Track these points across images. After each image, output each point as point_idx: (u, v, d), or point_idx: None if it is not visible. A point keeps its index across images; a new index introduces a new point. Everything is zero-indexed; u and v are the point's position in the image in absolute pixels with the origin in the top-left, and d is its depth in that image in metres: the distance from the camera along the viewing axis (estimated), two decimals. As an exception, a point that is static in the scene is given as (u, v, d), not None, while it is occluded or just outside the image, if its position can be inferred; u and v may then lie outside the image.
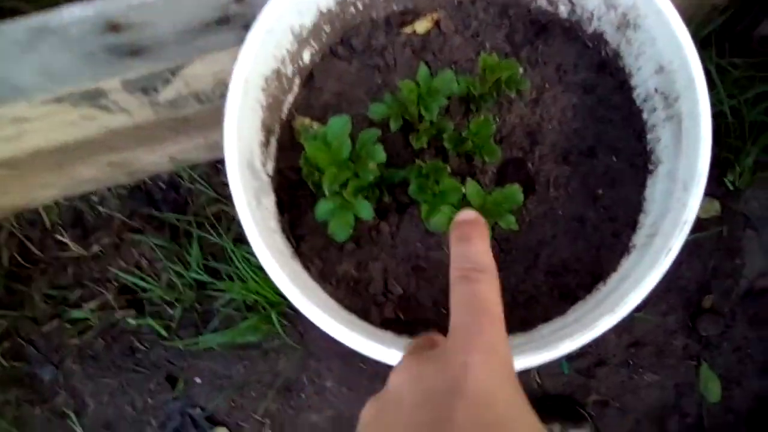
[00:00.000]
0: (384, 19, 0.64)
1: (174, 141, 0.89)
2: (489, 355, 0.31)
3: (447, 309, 0.57)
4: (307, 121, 0.61)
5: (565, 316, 0.57)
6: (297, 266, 0.56)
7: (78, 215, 1.11)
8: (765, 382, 1.06)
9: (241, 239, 1.04)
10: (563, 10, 0.63)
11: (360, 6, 0.63)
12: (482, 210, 0.50)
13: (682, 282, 1.07)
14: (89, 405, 1.09)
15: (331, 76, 0.63)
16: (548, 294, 0.58)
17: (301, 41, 0.61)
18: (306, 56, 0.62)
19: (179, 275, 1.06)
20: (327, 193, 0.51)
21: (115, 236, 1.09)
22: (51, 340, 1.09)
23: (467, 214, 0.40)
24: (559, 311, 0.57)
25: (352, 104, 0.62)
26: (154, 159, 0.97)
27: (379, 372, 1.06)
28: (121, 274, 1.07)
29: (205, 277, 1.05)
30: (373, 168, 0.53)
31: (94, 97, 0.69)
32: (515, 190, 0.50)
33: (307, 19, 0.60)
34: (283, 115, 0.62)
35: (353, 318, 0.55)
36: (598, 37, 0.62)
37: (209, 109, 0.81)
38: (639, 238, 0.57)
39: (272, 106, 0.59)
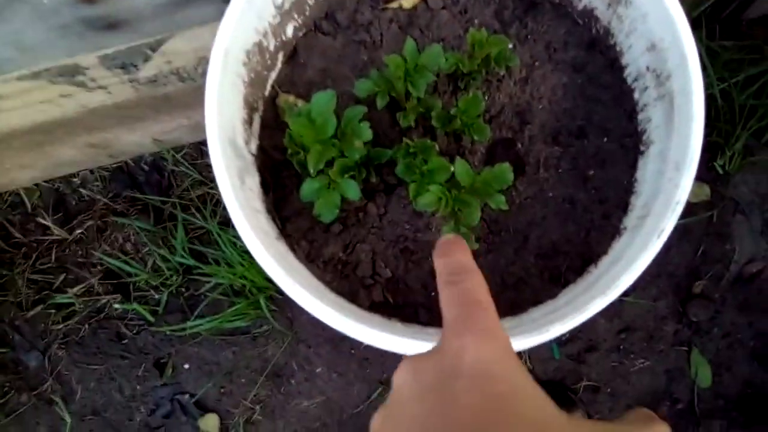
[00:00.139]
0: (370, -7, 0.63)
1: (155, 120, 0.87)
2: (483, 336, 0.31)
3: (436, 292, 0.56)
4: (291, 98, 0.59)
5: (555, 299, 0.56)
6: (283, 248, 0.55)
7: (60, 198, 1.09)
8: (755, 367, 1.06)
9: (226, 223, 1.02)
10: (554, -15, 0.62)
11: (345, -21, 0.61)
12: (471, 189, 0.49)
13: (671, 267, 1.07)
14: (77, 392, 1.07)
15: (315, 51, 0.61)
16: (538, 276, 0.57)
17: (284, 14, 0.59)
18: (289, 30, 0.60)
19: (165, 259, 1.04)
20: (312, 172, 0.50)
21: (98, 219, 1.07)
22: (36, 326, 1.08)
23: (447, 236, 0.42)
24: (550, 294, 0.56)
25: (337, 81, 0.60)
26: (135, 139, 0.95)
27: (368, 357, 1.05)
28: (105, 258, 1.05)
29: (191, 262, 1.03)
30: (360, 146, 0.51)
31: (71, 74, 0.67)
32: (505, 169, 0.49)
33: (290, -9, 0.59)
34: (267, 92, 0.60)
35: (341, 301, 0.55)
36: (589, 14, 0.61)
37: (191, 87, 0.79)
38: (630, 219, 0.56)
39: (255, 81, 0.57)
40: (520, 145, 0.59)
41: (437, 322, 0.55)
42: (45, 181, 1.07)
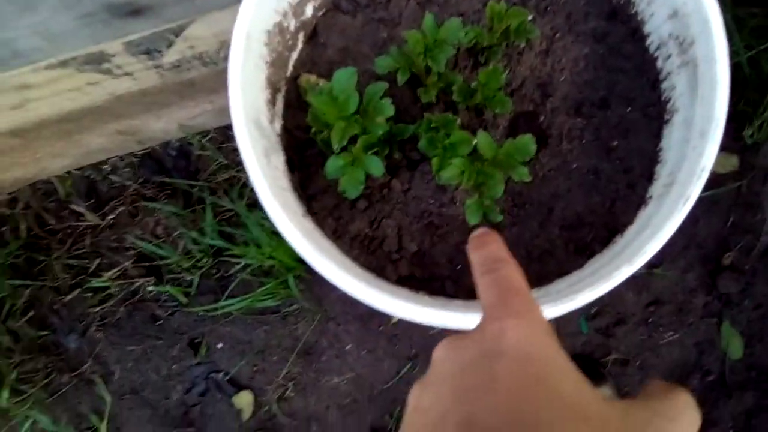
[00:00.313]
0: (388, -30, 0.63)
1: (180, 106, 0.88)
2: (522, 317, 0.32)
3: (462, 265, 0.57)
4: (312, 78, 0.60)
5: (581, 270, 0.56)
6: (310, 225, 0.56)
7: (91, 185, 1.11)
8: (787, 337, 1.05)
9: (254, 204, 1.04)
10: (573, -46, 0.61)
11: (363, -43, 0.61)
12: (494, 162, 0.49)
13: (700, 239, 1.06)
14: (115, 372, 1.11)
15: (335, 31, 0.62)
16: (563, 248, 0.57)
17: (303, -7, 0.59)
18: (308, 10, 0.61)
19: (195, 242, 1.06)
20: (336, 148, 0.50)
21: (129, 205, 1.10)
22: (74, 310, 1.11)
23: (479, 230, 0.44)
24: (575, 265, 0.56)
25: (357, 60, 0.61)
26: (162, 126, 0.97)
27: (397, 334, 1.07)
28: (137, 242, 1.08)
29: (220, 243, 1.05)
30: (382, 122, 0.52)
31: (97, 61, 0.68)
32: (528, 140, 0.49)
33: (308, -30, 0.59)
34: (288, 73, 0.61)
35: (369, 276, 0.55)
36: (609, -17, 0.60)
37: (214, 72, 0.80)
38: (656, 188, 0.56)
39: (276, 62, 0.58)
40: (542, 118, 0.59)
41: (463, 295, 0.56)
42: (76, 169, 1.10)
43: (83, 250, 1.11)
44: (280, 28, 0.57)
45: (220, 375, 1.10)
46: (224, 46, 0.76)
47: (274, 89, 0.58)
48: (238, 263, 1.07)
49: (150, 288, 1.09)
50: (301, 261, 1.02)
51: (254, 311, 1.08)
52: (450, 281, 0.56)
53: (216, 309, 1.06)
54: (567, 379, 0.29)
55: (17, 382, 1.08)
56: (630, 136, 0.58)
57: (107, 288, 1.10)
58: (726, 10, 0.93)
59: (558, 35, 0.60)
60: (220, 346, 1.10)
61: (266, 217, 1.00)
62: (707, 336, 1.06)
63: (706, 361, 1.06)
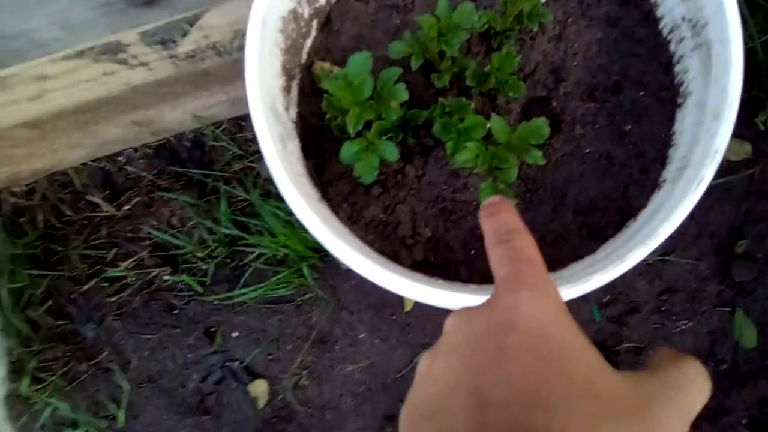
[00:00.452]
0: (400, -44, 0.63)
1: (195, 96, 0.89)
2: (536, 291, 0.31)
3: (476, 250, 0.57)
4: (326, 65, 0.60)
5: (595, 254, 0.56)
6: (325, 210, 0.57)
7: (107, 176, 1.12)
8: (801, 325, 1.04)
9: (267, 194, 1.05)
10: (586, -62, 0.61)
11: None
12: (508, 146, 0.50)
13: (713, 227, 1.05)
14: (132, 360, 1.12)
15: (349, 17, 0.62)
16: (577, 233, 0.57)
17: (317, -20, 0.60)
18: (322, -4, 0.61)
19: (210, 231, 1.07)
20: (351, 133, 0.51)
21: (145, 195, 1.11)
22: (91, 299, 1.12)
23: (492, 197, 0.41)
24: (589, 250, 0.57)
25: (371, 47, 0.61)
26: (176, 116, 0.98)
27: (410, 322, 1.07)
28: (153, 232, 1.09)
29: (235, 232, 1.06)
30: (396, 107, 0.52)
31: (113, 51, 0.69)
32: (541, 123, 0.49)
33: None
34: (303, 60, 0.61)
35: (384, 260, 0.56)
36: (622, -34, 0.60)
37: (228, 62, 0.81)
38: (669, 172, 0.56)
39: (291, 49, 0.58)
40: (555, 103, 0.59)
41: (478, 279, 0.56)
42: (92, 161, 1.11)
43: (100, 241, 1.12)
44: (294, 15, 0.58)
45: (236, 363, 1.11)
46: (238, 35, 0.76)
47: (288, 76, 0.59)
48: (252, 252, 1.07)
49: (166, 277, 1.10)
50: (315, 250, 1.03)
51: (268, 300, 1.09)
52: (464, 266, 0.57)
53: (231, 298, 1.07)
54: (580, 355, 0.29)
55: (37, 370, 1.09)
56: (643, 120, 0.58)
57: (124, 278, 1.11)
58: (740, -5, 0.93)
59: (571, 20, 0.60)
60: (235, 335, 1.11)
61: (280, 207, 1.01)
62: (720, 324, 1.05)
63: (719, 350, 1.06)
